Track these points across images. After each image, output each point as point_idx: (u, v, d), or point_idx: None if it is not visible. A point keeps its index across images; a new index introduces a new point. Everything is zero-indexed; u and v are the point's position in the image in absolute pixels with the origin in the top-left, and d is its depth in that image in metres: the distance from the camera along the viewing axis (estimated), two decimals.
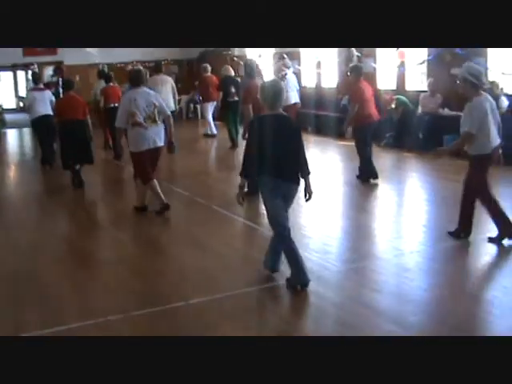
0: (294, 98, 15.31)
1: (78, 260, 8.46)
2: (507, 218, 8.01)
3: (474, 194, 8.08)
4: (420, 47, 14.50)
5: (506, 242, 8.02)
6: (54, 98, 15.04)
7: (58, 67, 21.57)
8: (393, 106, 15.93)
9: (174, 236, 9.44)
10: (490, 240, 8.10)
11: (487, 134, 7.81)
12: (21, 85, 28.88)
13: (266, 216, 7.26)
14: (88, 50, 23.49)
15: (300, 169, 6.84)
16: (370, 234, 9.05)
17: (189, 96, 24.53)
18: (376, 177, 11.94)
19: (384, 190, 12.09)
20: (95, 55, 23.58)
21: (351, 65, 12.83)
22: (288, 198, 6.89)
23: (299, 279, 6.81)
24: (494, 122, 7.96)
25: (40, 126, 14.81)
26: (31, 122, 15.22)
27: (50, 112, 14.45)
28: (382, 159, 14.40)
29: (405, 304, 6.45)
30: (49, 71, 22.90)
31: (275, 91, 6.70)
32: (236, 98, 16.75)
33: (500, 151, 8.20)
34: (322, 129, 18.21)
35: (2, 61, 22.96)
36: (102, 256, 8.67)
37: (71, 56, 23.16)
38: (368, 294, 6.70)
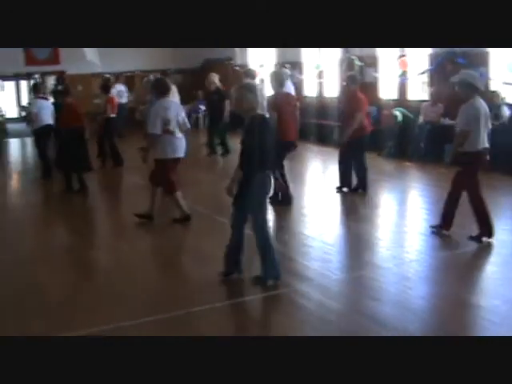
0: None
1: (81, 270, 8.44)
2: (490, 220, 8.38)
3: (459, 193, 8.49)
4: (421, 47, 14.45)
5: (484, 239, 8.40)
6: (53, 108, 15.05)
7: (61, 77, 21.60)
8: (392, 120, 15.96)
9: (176, 245, 9.43)
10: (471, 238, 8.45)
11: (476, 134, 8.19)
12: (23, 94, 28.99)
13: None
14: (90, 59, 23.57)
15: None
16: (370, 242, 9.04)
17: (191, 106, 24.56)
18: (349, 187, 11.95)
19: (384, 198, 12.10)
20: (97, 65, 23.65)
21: (347, 74, 12.80)
22: None
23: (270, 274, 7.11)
24: (485, 126, 8.32)
25: (44, 136, 14.78)
26: (35, 131, 15.01)
27: (52, 122, 14.50)
28: (383, 169, 14.41)
29: (404, 312, 6.45)
30: (51, 81, 22.93)
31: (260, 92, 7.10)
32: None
33: (487, 157, 8.57)
34: (323, 138, 18.24)
35: (4, 70, 23.02)
36: (104, 265, 8.66)
37: (73, 66, 23.21)
38: (368, 303, 6.70)
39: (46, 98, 15.27)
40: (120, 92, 20.87)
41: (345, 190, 11.84)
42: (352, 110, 11.62)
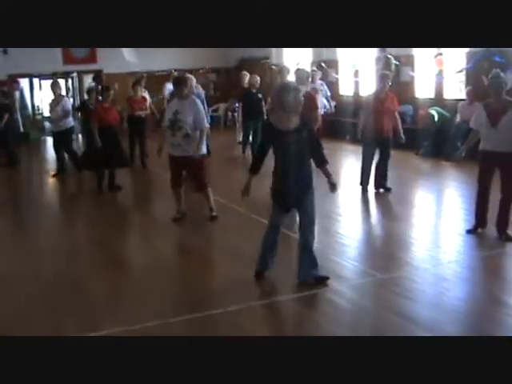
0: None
1: (115, 266, 8.50)
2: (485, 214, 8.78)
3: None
4: (458, 47, 14.32)
5: (479, 230, 8.83)
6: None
7: (98, 75, 21.75)
8: (429, 120, 15.85)
9: (211, 243, 9.47)
10: (468, 232, 8.78)
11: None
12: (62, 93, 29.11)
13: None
14: (127, 58, 23.72)
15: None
16: (407, 242, 8.99)
17: (227, 104, 24.60)
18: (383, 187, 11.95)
19: (421, 198, 12.02)
20: (135, 63, 23.78)
21: (380, 73, 12.71)
22: None
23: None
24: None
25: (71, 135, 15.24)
26: (69, 130, 15.42)
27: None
28: (420, 168, 14.33)
29: (442, 314, 6.41)
30: (88, 79, 23.08)
31: (285, 95, 6.83)
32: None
33: None
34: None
35: (42, 69, 23.25)
36: (139, 262, 8.72)
37: (110, 64, 23.38)
38: (404, 304, 6.67)
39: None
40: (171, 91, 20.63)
41: (381, 190, 11.81)
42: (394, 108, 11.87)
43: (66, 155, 15.52)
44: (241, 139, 18.54)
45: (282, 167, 7.01)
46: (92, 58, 24.16)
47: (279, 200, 7.19)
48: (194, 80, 11.49)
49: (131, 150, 15.98)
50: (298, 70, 12.46)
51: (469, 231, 8.84)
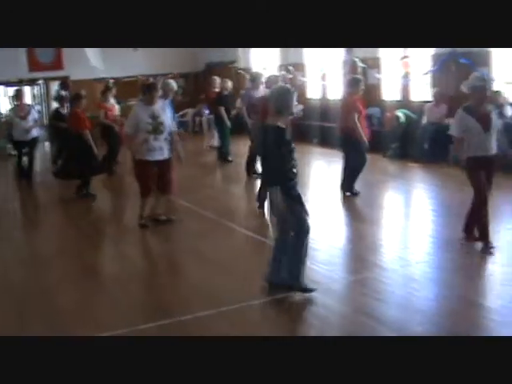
0: None
1: (85, 274, 8.44)
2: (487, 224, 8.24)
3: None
4: (423, 47, 14.40)
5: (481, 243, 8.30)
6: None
7: (65, 82, 21.58)
8: (395, 122, 15.95)
9: (181, 249, 9.43)
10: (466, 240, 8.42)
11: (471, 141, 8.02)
12: (27, 100, 28.90)
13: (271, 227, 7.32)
14: (94, 64, 23.57)
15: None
16: (376, 244, 9.02)
17: (195, 109, 24.56)
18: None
19: (390, 200, 12.08)
20: (101, 70, 23.64)
21: (348, 77, 12.72)
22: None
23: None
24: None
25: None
26: (36, 139, 15.40)
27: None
28: (388, 170, 14.41)
29: (411, 314, 6.45)
30: (55, 86, 22.88)
31: (282, 98, 6.82)
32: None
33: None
34: (327, 141, 18.19)
35: (8, 76, 23.02)
36: (108, 271, 8.68)
37: (77, 71, 23.22)
38: (374, 305, 6.70)
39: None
40: None
41: (347, 194, 11.85)
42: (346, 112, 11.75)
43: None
44: (214, 144, 18.53)
45: (295, 168, 6.90)
46: (58, 64, 23.93)
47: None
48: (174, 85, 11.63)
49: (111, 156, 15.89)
50: (255, 72, 12.52)
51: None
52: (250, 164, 13.75)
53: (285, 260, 7.00)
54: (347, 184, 11.72)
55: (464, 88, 8.24)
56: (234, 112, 16.72)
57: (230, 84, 17.12)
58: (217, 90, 17.51)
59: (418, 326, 6.11)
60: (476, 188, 8.09)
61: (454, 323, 6.21)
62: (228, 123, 16.49)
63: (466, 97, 8.24)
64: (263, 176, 7.04)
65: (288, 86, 7.91)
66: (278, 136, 6.73)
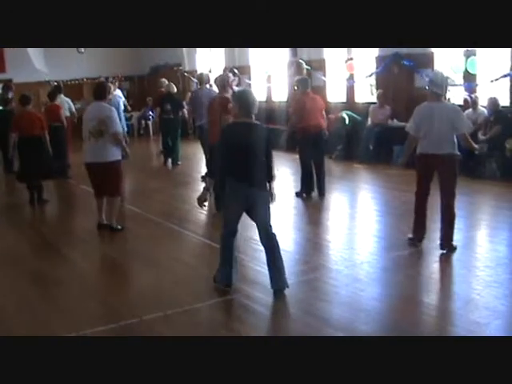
0: None
1: (29, 279, 8.34)
2: (424, 222, 8.43)
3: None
4: (366, 47, 14.54)
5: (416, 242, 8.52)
6: None
7: (7, 85, 21.22)
8: (340, 123, 16.08)
9: (127, 253, 9.37)
10: (410, 239, 8.57)
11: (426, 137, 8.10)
12: None
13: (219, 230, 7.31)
14: (38, 67, 23.28)
15: (267, 175, 7.11)
16: (321, 245, 9.10)
17: (140, 112, 24.45)
18: (309, 192, 12.02)
19: (335, 201, 12.18)
20: (45, 73, 23.38)
21: (297, 78, 12.82)
22: (254, 205, 7.00)
23: (223, 280, 7.15)
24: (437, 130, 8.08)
25: None
26: None
27: None
28: (333, 171, 14.52)
29: (356, 314, 6.51)
30: None
31: (252, 99, 6.94)
32: (171, 116, 16.74)
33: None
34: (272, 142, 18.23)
35: None
36: (54, 275, 8.58)
37: (20, 74, 22.90)
38: (319, 305, 6.75)
39: None
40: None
41: (305, 195, 11.98)
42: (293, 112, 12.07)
43: None
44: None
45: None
46: (1, 67, 23.62)
47: None
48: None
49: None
50: (202, 74, 12.59)
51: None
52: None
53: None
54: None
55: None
56: (180, 113, 16.72)
57: (174, 87, 17.18)
58: (163, 89, 17.55)
59: (363, 326, 6.17)
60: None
61: (396, 321, 6.31)
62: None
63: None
64: (249, 176, 6.91)
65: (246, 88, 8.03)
66: (267, 134, 7.14)
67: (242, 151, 6.82)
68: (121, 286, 7.93)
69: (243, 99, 6.94)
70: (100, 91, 9.99)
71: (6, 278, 8.30)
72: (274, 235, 7.08)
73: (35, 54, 22.90)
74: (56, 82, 20.28)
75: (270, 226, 7.09)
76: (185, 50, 22.87)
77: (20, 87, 20.16)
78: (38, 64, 23.35)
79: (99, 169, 9.81)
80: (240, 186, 6.87)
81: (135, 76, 25.87)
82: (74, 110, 16.33)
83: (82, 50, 23.78)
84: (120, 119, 12.30)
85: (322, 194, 11.87)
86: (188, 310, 6.79)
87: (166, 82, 17.79)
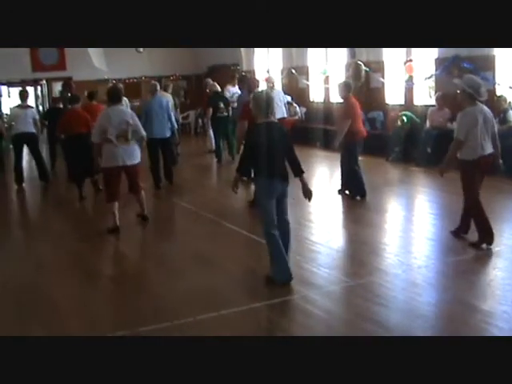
0: (280, 113, 15.11)
1: (83, 275, 8.41)
2: (489, 227, 8.37)
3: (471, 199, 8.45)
4: (426, 47, 14.39)
5: (484, 246, 8.38)
6: (37, 116, 15.26)
7: (67, 83, 21.53)
8: (399, 123, 15.92)
9: (181, 251, 9.38)
10: (471, 245, 8.50)
11: (473, 142, 8.19)
12: (30, 101, 28.83)
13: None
14: (97, 65, 23.58)
15: (291, 169, 7.50)
16: (378, 248, 8.99)
17: (197, 111, 24.56)
18: (363, 195, 11.87)
19: (391, 203, 12.05)
20: (104, 71, 23.66)
21: (340, 82, 12.68)
22: (283, 196, 7.45)
23: (282, 277, 7.32)
24: (487, 133, 8.30)
25: (18, 143, 14.94)
26: (11, 138, 15.30)
27: (30, 129, 14.67)
28: (390, 174, 14.39)
29: (413, 319, 6.41)
30: (58, 87, 22.87)
31: (267, 100, 7.29)
32: (225, 114, 16.77)
33: (500, 161, 8.68)
34: (329, 143, 18.14)
35: (10, 76, 23.02)
36: (107, 271, 8.65)
37: (80, 72, 23.21)
38: (376, 310, 6.66)
39: (26, 107, 15.15)
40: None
41: (347, 192, 11.91)
42: (343, 116, 11.88)
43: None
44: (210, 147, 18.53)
45: None
46: (61, 65, 23.97)
47: None
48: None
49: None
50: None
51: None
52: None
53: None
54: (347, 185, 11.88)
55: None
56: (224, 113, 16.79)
57: (217, 87, 17.28)
58: (207, 91, 17.64)
59: (419, 331, 6.07)
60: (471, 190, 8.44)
61: (455, 328, 6.18)
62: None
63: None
64: (277, 171, 7.31)
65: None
66: (286, 131, 7.63)
67: (268, 149, 7.20)
68: (174, 284, 7.83)
69: (259, 101, 7.31)
70: (118, 95, 10.17)
71: (63, 275, 8.40)
72: (289, 221, 7.60)
73: (95, 53, 23.20)
74: (114, 80, 20.53)
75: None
76: (243, 50, 22.90)
77: (79, 85, 20.47)
78: (97, 62, 23.65)
79: (128, 170, 9.99)
80: (271, 182, 7.27)
81: (193, 75, 25.99)
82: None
83: (141, 49, 23.95)
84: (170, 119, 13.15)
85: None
86: (243, 311, 6.77)
87: (211, 82, 17.87)
